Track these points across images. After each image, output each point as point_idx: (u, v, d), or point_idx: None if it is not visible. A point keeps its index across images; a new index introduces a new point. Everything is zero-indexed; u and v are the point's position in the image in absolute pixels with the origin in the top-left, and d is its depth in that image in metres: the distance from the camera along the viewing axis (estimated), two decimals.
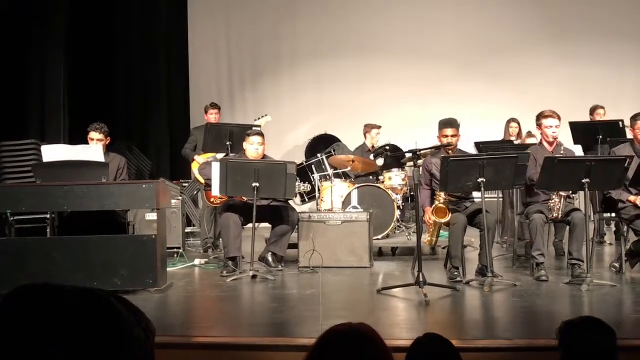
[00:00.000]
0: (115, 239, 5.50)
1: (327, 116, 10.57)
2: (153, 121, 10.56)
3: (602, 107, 8.50)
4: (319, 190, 7.60)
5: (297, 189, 6.27)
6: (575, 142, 7.53)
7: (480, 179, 5.23)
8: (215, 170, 5.95)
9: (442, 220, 5.68)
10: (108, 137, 6.27)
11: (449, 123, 5.89)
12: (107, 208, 5.49)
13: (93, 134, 6.18)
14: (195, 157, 7.62)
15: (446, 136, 5.83)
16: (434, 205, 5.71)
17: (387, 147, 8.52)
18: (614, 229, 7.44)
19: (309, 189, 6.86)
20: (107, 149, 6.28)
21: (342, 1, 10.84)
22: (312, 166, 8.26)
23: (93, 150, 5.91)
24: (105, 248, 5.32)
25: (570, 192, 5.75)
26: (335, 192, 7.32)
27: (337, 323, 1.58)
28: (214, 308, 5.24)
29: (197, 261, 6.84)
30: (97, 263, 5.26)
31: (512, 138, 8.56)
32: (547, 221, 5.76)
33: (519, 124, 8.75)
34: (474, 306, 5.07)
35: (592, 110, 8.55)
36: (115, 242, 5.42)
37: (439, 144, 5.90)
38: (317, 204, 7.67)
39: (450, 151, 5.82)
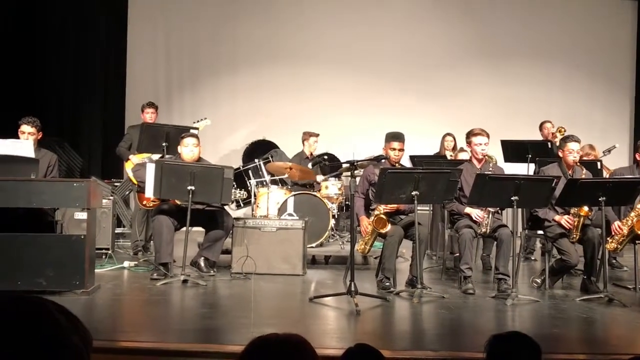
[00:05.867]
0: (42, 237, 5.32)
1: (266, 122, 10.56)
2: (86, 118, 10.29)
3: (550, 121, 8.78)
4: (255, 196, 7.57)
5: (233, 196, 6.21)
6: (506, 160, 7.71)
7: (414, 192, 5.34)
8: (150, 171, 5.84)
9: (382, 231, 5.73)
10: (40, 132, 6.07)
11: (397, 137, 5.92)
12: (35, 206, 5.31)
13: (25, 128, 5.97)
14: (131, 156, 7.47)
15: (394, 149, 5.87)
16: (375, 215, 5.76)
17: (326, 157, 8.58)
18: (539, 245, 7.69)
19: (245, 196, 6.83)
20: (39, 145, 6.08)
21: (282, 8, 10.85)
22: (249, 171, 8.23)
23: (23, 145, 5.72)
24: (32, 247, 5.15)
25: (498, 208, 5.93)
26: (271, 198, 7.31)
27: (268, 330, 1.59)
28: (142, 312, 5.15)
29: (126, 263, 6.69)
30: (23, 262, 5.08)
31: (448, 152, 8.77)
32: (476, 236, 5.92)
33: (454, 138, 8.97)
34: (403, 317, 5.17)
35: (541, 126, 8.83)
36: (42, 241, 5.24)
37: (376, 155, 5.96)
38: (253, 210, 7.64)
39: (397, 164, 5.89)
